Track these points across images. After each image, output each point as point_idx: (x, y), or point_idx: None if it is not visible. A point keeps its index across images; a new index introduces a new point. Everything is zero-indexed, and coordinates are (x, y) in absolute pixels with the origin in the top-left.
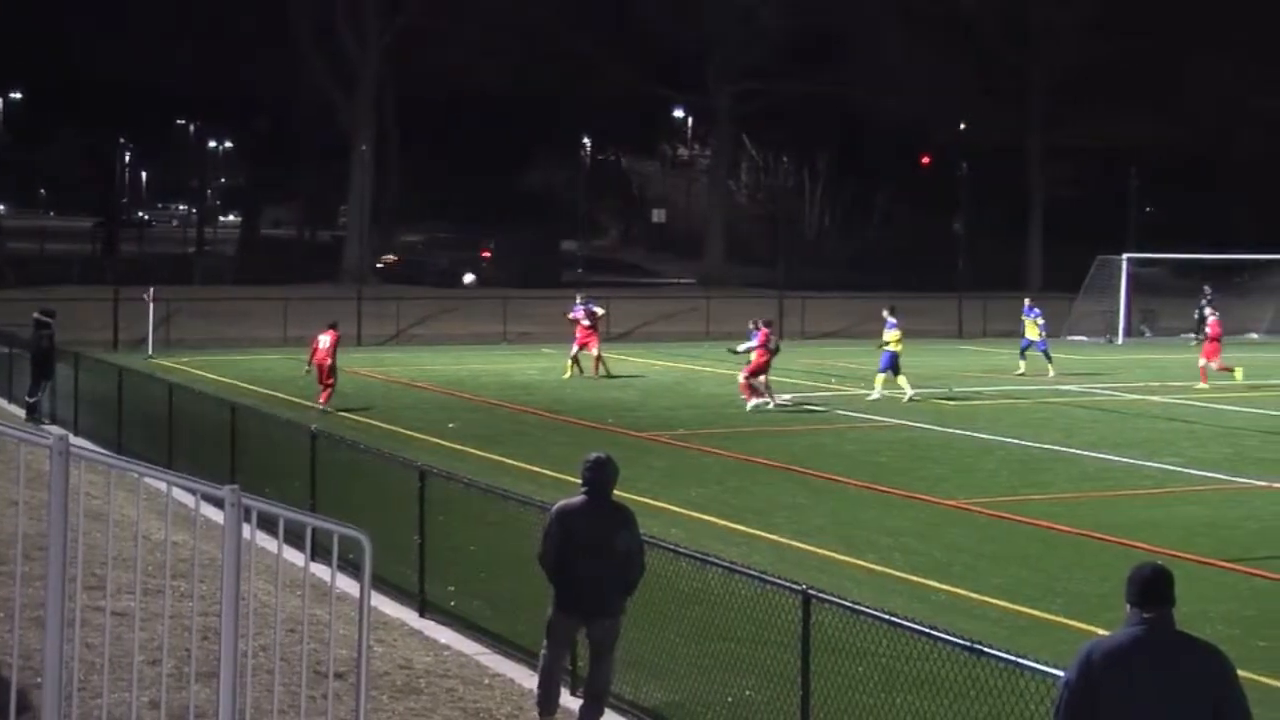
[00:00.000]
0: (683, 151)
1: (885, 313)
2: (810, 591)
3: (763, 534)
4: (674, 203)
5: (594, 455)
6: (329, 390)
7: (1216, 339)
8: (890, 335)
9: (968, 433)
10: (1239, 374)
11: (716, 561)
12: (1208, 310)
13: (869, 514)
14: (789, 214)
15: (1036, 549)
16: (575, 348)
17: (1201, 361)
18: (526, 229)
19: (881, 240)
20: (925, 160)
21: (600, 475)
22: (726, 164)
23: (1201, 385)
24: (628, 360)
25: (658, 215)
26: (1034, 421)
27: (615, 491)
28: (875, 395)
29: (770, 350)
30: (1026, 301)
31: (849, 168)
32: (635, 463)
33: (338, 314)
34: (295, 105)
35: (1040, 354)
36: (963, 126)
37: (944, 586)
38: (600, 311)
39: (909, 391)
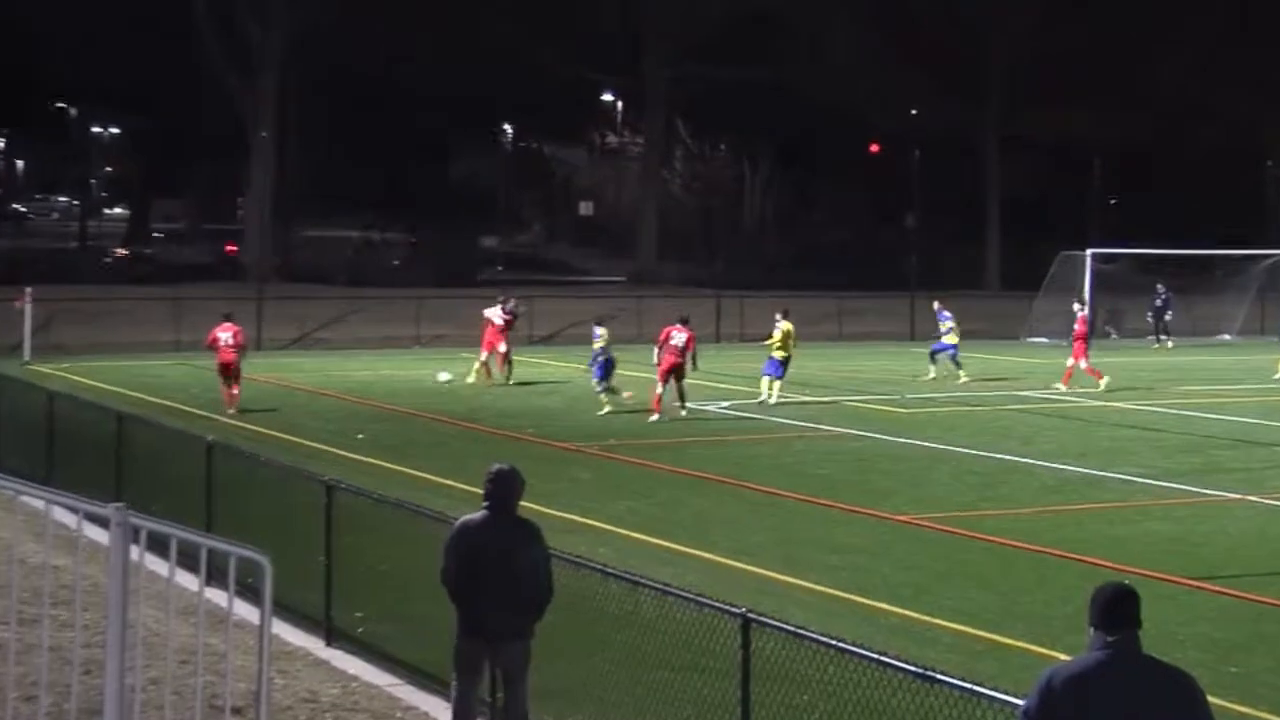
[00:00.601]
0: (612, 139)
1: (778, 315)
2: (750, 615)
3: (698, 552)
4: (602, 195)
5: (495, 467)
6: (237, 392)
7: (1083, 338)
8: (776, 337)
9: (920, 442)
10: (1104, 382)
11: (648, 583)
12: (1075, 306)
13: (813, 530)
14: (727, 206)
15: (994, 568)
16: (484, 352)
17: (1069, 361)
18: (442, 224)
19: (827, 236)
20: (874, 148)
21: (502, 488)
22: (660, 152)
23: (1061, 386)
24: (552, 365)
25: (585, 208)
26: (991, 430)
27: (526, 505)
28: (767, 398)
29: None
30: (936, 305)
31: (792, 157)
32: (559, 475)
33: (237, 314)
34: (190, 91)
35: (948, 358)
36: (914, 113)
37: (894, 609)
38: (521, 310)
39: (770, 395)
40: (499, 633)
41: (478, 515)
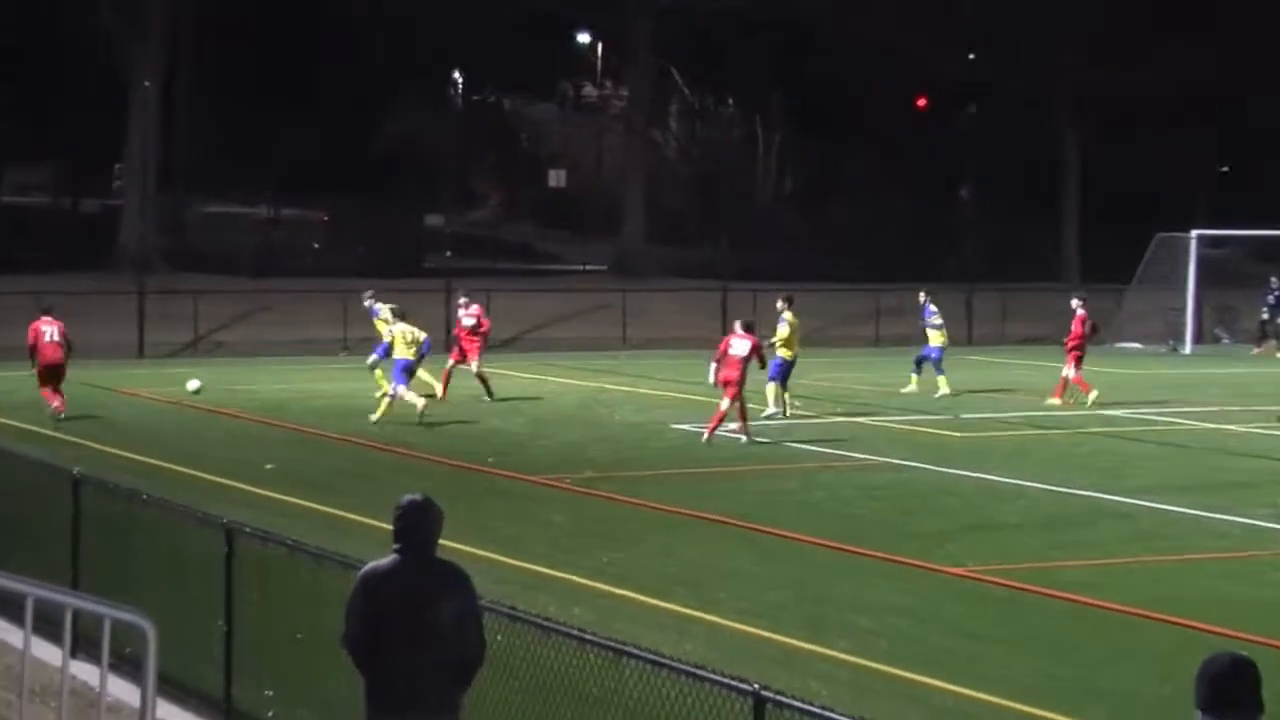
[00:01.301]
0: (589, 91)
1: (780, 303)
2: (764, 692)
3: (699, 614)
4: (577, 161)
5: (405, 498)
6: (60, 393)
7: (1077, 344)
8: (784, 332)
9: (978, 474)
10: (1092, 396)
11: (635, 652)
12: (1074, 302)
13: (843, 586)
14: (734, 177)
15: (1071, 633)
16: (450, 361)
17: (1066, 371)
18: (375, 197)
19: (861, 214)
20: (920, 103)
21: (413, 524)
22: (649, 108)
23: (1054, 401)
24: (513, 376)
25: (555, 178)
26: (1070, 459)
27: (483, 554)
28: (778, 412)
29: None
30: (922, 297)
31: (816, 114)
32: (524, 516)
33: (111, 313)
34: (55, 28)
35: (931, 365)
36: (970, 57)
37: (944, 685)
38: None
39: (783, 409)
40: (416, 707)
41: (386, 562)
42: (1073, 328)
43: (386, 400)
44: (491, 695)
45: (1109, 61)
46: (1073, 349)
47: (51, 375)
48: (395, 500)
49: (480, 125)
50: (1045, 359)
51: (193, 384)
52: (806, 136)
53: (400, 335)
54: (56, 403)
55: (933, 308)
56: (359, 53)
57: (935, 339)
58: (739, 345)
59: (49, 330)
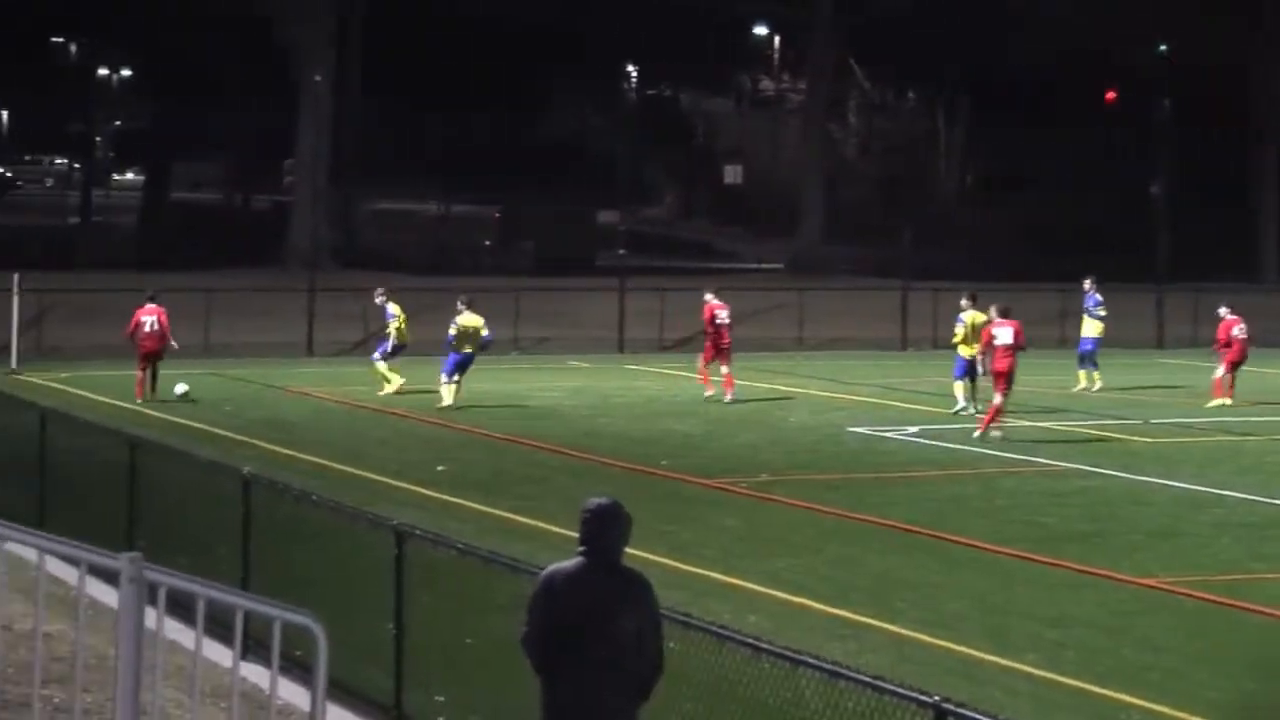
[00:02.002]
0: (766, 85)
1: (964, 302)
2: (946, 705)
3: (878, 623)
4: (754, 157)
5: (595, 501)
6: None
7: (1232, 346)
8: (961, 330)
9: (1171, 482)
10: (1214, 403)
11: (812, 662)
12: (1223, 310)
13: (1029, 597)
14: (916, 172)
15: (1270, 650)
16: (704, 358)
17: (1218, 371)
18: (547, 194)
19: (1048, 211)
20: (1110, 96)
21: (600, 529)
22: (827, 102)
23: (1219, 401)
24: (687, 378)
25: (731, 174)
26: (1266, 466)
27: (655, 559)
28: (961, 405)
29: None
30: (1087, 284)
31: (999, 107)
32: (698, 521)
33: (281, 310)
34: (221, 22)
35: (1084, 357)
36: (1163, 48)
37: (1135, 700)
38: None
39: (960, 405)
40: (594, 717)
41: (570, 564)
42: (1219, 336)
43: (397, 382)
44: (664, 704)
45: None
46: (1229, 358)
47: (147, 361)
48: (581, 503)
49: (654, 120)
50: (1249, 362)
51: (180, 388)
52: (990, 130)
53: (462, 326)
54: (142, 389)
55: (1098, 297)
56: (532, 46)
57: (1094, 330)
58: (1003, 333)
59: (149, 320)
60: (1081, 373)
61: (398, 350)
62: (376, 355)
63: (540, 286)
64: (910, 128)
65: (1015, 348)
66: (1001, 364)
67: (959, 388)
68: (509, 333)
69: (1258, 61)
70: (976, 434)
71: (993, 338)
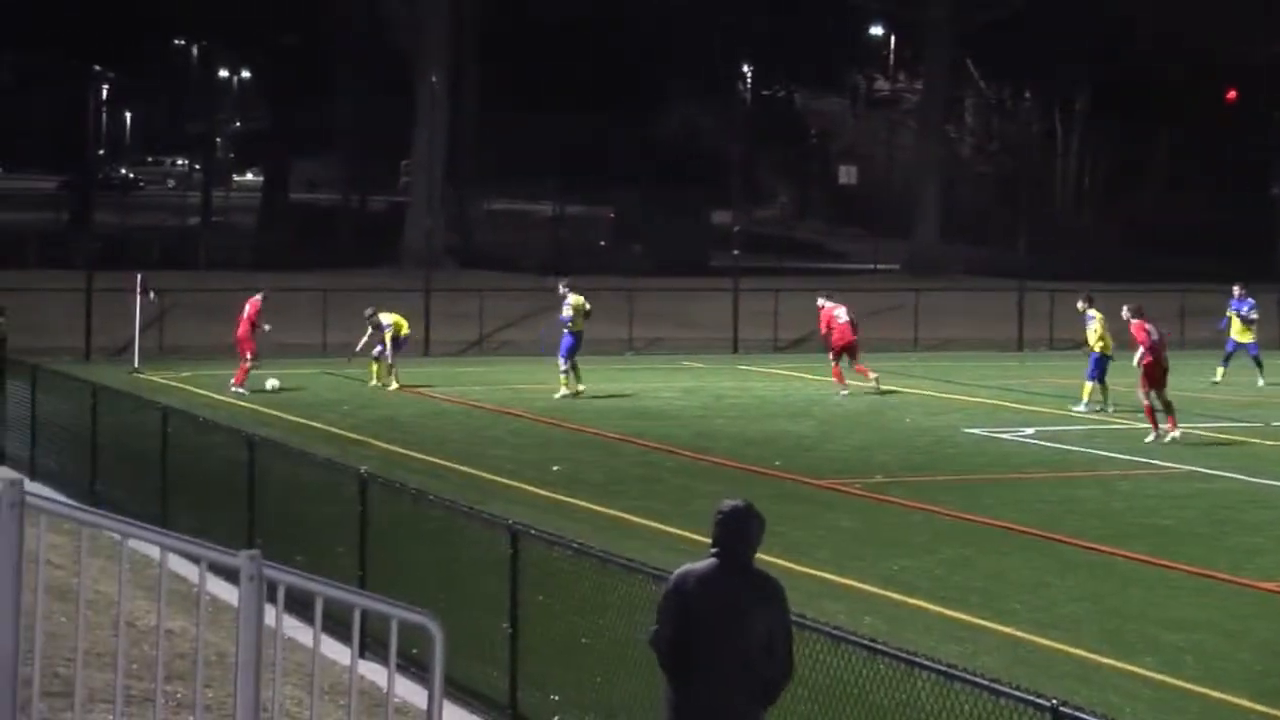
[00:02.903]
0: (882, 85)
1: (1081, 303)
2: (1063, 708)
3: (994, 625)
4: (868, 157)
5: (727, 503)
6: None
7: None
8: (1092, 333)
9: None
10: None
11: (927, 663)
12: (1125, 312)
13: (1147, 600)
14: (1033, 173)
15: None
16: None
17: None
18: (661, 195)
19: (1166, 211)
20: (1230, 96)
21: (734, 531)
22: (944, 102)
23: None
24: (800, 378)
25: (846, 175)
26: None
27: (768, 558)
28: (1081, 408)
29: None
30: (1235, 290)
31: (1118, 108)
32: (812, 522)
33: (397, 309)
34: (339, 24)
35: (1250, 359)
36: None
37: (1256, 706)
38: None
39: (1084, 405)
40: (719, 718)
41: (702, 565)
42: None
43: (389, 373)
44: (781, 705)
45: None
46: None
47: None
48: (713, 505)
49: (768, 120)
50: None
51: (271, 383)
52: (1108, 131)
53: (576, 305)
54: (237, 376)
55: (1252, 300)
56: (646, 47)
57: (1246, 335)
58: (1152, 330)
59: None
60: (1220, 369)
61: (400, 344)
62: (384, 353)
63: (654, 287)
64: (1027, 128)
65: (1162, 347)
66: (1152, 364)
67: (1092, 389)
68: (623, 333)
69: None
70: (1150, 439)
71: (1146, 335)
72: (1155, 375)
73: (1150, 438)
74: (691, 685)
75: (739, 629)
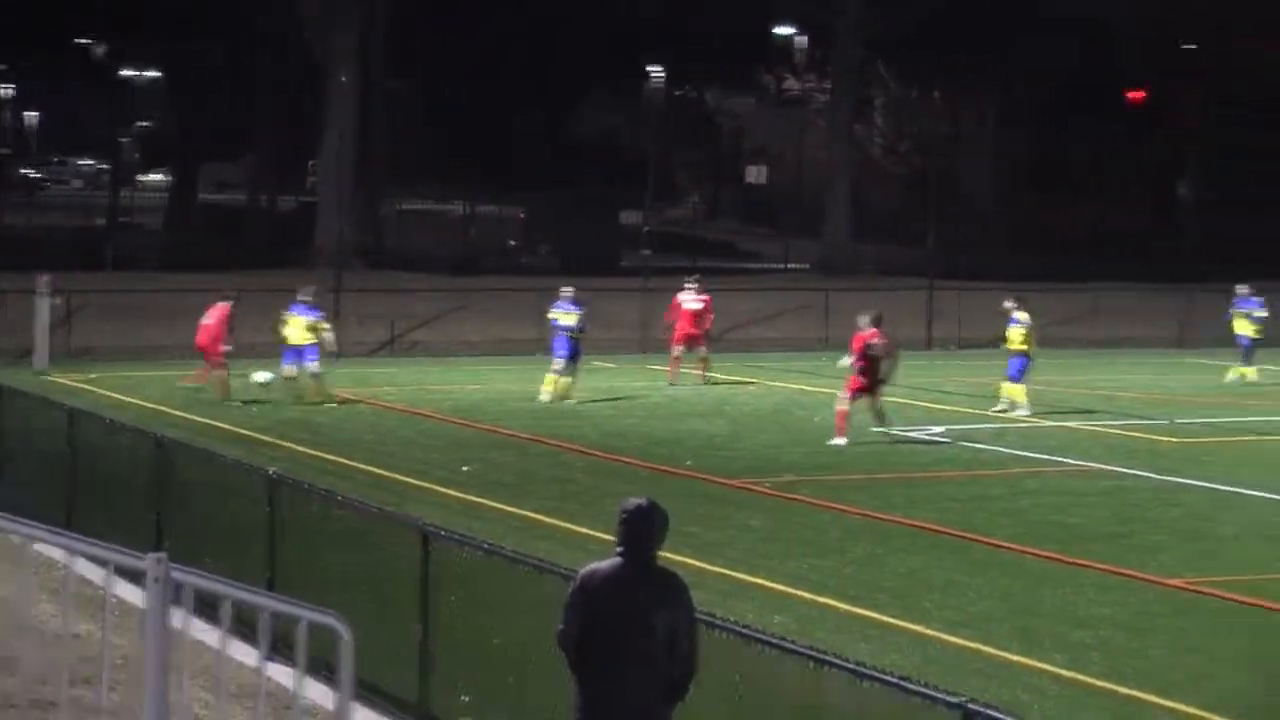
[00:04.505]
0: (792, 84)
1: (1009, 305)
2: (972, 706)
3: (903, 624)
4: (779, 157)
5: (633, 502)
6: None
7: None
8: (1015, 334)
9: (1199, 483)
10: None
11: (838, 662)
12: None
13: (1056, 598)
14: (943, 172)
15: None
16: (678, 348)
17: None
18: (572, 194)
19: (1074, 211)
20: (1137, 96)
21: (637, 529)
22: (854, 102)
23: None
24: (712, 377)
25: (756, 174)
26: None
27: (679, 559)
28: (1003, 406)
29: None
30: (1244, 290)
31: (1028, 107)
32: (724, 521)
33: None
34: (248, 23)
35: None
36: (1192, 47)
37: (1162, 701)
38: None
39: (1021, 409)
40: (627, 717)
41: (606, 564)
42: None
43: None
44: (690, 704)
45: None
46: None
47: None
48: (619, 503)
49: (679, 119)
50: (1267, 361)
51: (261, 375)
52: (1017, 130)
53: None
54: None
55: (1257, 299)
56: (556, 45)
57: (1253, 330)
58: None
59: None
60: (1242, 368)
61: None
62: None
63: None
64: (936, 128)
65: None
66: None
67: (1020, 390)
68: (533, 333)
69: None
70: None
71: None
72: (871, 383)
73: (835, 442)
74: (598, 683)
75: (643, 627)
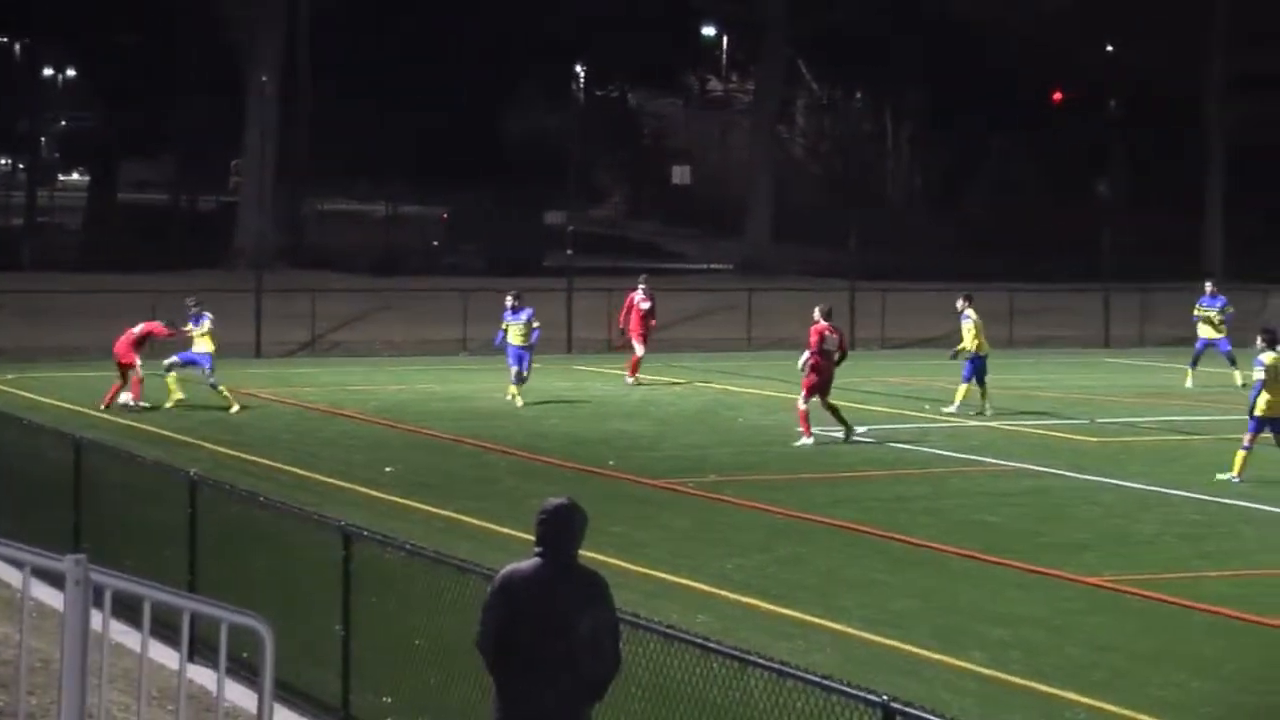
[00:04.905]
0: (715, 85)
1: (960, 304)
2: (893, 704)
3: (825, 622)
4: (702, 157)
5: (552, 502)
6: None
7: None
8: (968, 333)
9: (1118, 481)
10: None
11: (761, 661)
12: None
13: (975, 595)
14: (865, 173)
15: (1216, 647)
16: (640, 346)
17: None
18: (495, 194)
19: (995, 211)
20: (1057, 97)
21: (558, 530)
22: (777, 103)
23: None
24: (636, 378)
25: (679, 174)
26: (1212, 466)
27: (603, 559)
28: (953, 409)
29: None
30: (1208, 287)
31: (949, 108)
32: (647, 521)
33: (229, 311)
34: (169, 22)
35: (1223, 357)
36: (1109, 49)
37: (1081, 698)
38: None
39: (954, 407)
40: (548, 718)
41: (526, 564)
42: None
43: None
44: (613, 704)
45: (1256, 46)
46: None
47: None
48: (540, 503)
49: (602, 119)
50: (1185, 361)
51: (125, 397)
52: (939, 131)
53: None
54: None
55: (1221, 298)
56: (479, 46)
57: (1209, 331)
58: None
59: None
60: (1191, 373)
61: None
62: (170, 366)
63: (488, 287)
64: (858, 129)
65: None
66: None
67: (967, 390)
68: (457, 333)
69: (1207, 61)
70: (802, 443)
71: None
72: (822, 381)
73: (802, 442)
74: (518, 684)
75: (564, 627)
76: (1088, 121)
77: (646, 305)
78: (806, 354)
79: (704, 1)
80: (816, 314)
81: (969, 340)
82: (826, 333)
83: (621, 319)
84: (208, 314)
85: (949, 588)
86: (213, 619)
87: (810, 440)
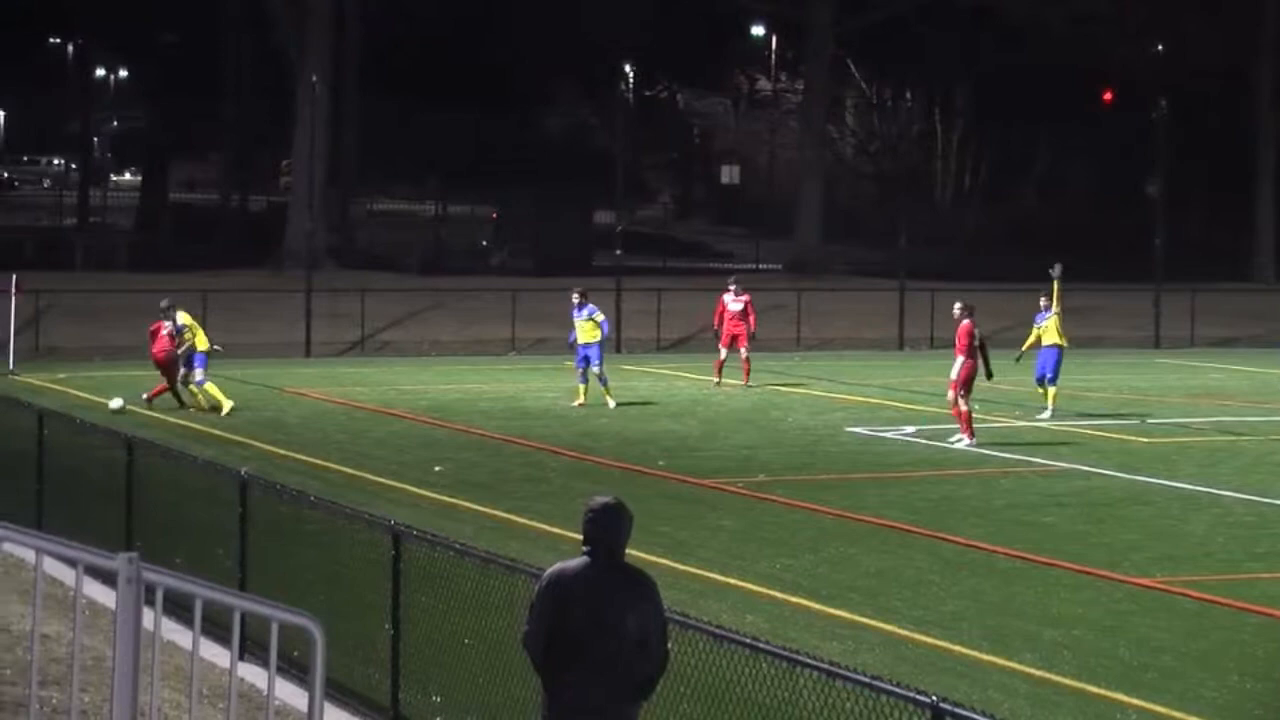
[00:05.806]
0: (764, 85)
1: (1043, 301)
2: (943, 704)
3: (875, 623)
4: (750, 157)
5: (599, 500)
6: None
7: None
8: (1046, 327)
9: (1169, 482)
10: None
11: (810, 661)
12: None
13: (1026, 596)
14: (915, 173)
15: (1268, 649)
16: (723, 349)
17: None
18: (544, 195)
19: (1045, 212)
20: (1107, 97)
21: (604, 528)
22: (826, 103)
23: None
24: (684, 378)
25: (728, 174)
26: (1263, 466)
27: (653, 560)
28: (1047, 415)
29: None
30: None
31: (998, 109)
32: (696, 521)
33: (278, 310)
34: (219, 24)
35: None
36: (1159, 48)
37: (1132, 700)
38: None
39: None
40: (596, 717)
41: (574, 563)
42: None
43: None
44: (662, 704)
45: None
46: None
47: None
48: (585, 502)
49: (651, 120)
50: (1238, 362)
51: (115, 403)
52: (989, 131)
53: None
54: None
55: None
56: (529, 47)
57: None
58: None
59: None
60: None
61: (194, 359)
62: (200, 378)
63: (537, 287)
64: (908, 128)
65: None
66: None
67: (1054, 393)
68: (506, 333)
69: (1256, 59)
70: (965, 444)
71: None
72: (970, 379)
73: (966, 442)
74: (566, 683)
75: (612, 626)
76: (1138, 121)
77: (737, 306)
78: (961, 359)
79: (752, 1)
80: (957, 311)
81: (1055, 334)
82: (974, 330)
83: (715, 322)
84: (180, 312)
85: (999, 588)
86: (263, 618)
87: (972, 441)
